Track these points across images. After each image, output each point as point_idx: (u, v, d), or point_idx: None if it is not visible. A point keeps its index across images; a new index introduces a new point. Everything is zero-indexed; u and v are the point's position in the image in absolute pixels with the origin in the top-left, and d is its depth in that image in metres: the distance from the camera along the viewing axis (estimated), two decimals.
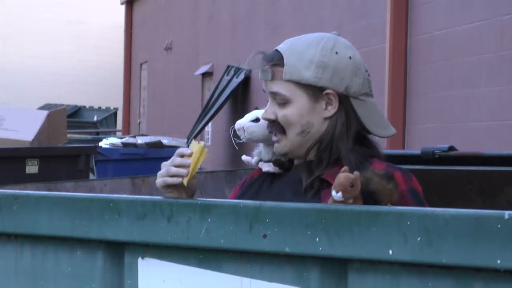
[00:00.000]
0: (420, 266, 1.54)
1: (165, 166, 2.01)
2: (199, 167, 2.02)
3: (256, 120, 2.33)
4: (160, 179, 2.01)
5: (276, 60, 2.18)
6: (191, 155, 1.98)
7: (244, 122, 2.35)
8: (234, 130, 2.36)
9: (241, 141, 2.35)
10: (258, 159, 2.34)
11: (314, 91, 2.17)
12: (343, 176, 1.78)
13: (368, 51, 8.87)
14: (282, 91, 2.17)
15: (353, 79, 2.19)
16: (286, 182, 2.23)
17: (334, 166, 2.16)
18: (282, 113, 2.18)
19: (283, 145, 2.20)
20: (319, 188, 2.15)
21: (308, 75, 2.16)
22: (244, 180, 2.39)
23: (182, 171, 1.97)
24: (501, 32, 7.12)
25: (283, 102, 2.18)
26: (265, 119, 2.22)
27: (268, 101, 2.24)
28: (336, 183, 1.77)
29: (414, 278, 1.55)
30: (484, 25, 7.33)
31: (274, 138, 2.22)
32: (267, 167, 2.29)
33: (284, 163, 2.27)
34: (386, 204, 1.93)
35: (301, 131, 2.18)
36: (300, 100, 2.17)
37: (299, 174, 2.20)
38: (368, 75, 2.25)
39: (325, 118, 2.19)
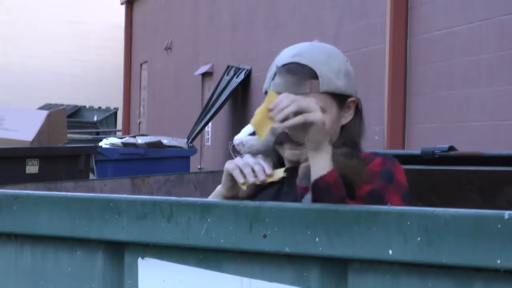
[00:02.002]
0: (420, 266, 1.54)
1: (247, 159, 2.04)
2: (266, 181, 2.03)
3: (254, 133, 2.35)
4: (232, 166, 2.04)
5: (309, 73, 2.18)
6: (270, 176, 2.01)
7: (242, 136, 2.37)
8: (233, 146, 2.38)
9: (241, 156, 2.36)
10: None
11: (342, 99, 2.23)
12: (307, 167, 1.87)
13: (368, 51, 8.87)
14: (318, 103, 2.17)
15: (356, 85, 2.28)
16: (281, 187, 2.26)
17: None
18: None
19: (304, 153, 2.17)
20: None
21: (341, 85, 2.21)
22: None
23: (250, 178, 2.00)
24: (501, 32, 7.12)
25: None
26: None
27: None
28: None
29: (414, 278, 1.55)
30: (484, 25, 7.33)
31: (291, 146, 2.21)
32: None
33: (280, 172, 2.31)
34: (357, 182, 2.00)
35: (329, 140, 2.20)
36: (332, 109, 2.22)
37: (291, 178, 2.23)
38: None
39: (341, 123, 2.25)
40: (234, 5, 13.51)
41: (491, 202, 3.12)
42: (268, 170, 2.02)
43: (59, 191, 2.91)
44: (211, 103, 12.75)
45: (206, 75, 14.60)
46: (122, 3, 19.93)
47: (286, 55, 2.23)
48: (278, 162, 2.30)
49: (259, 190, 2.31)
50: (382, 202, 2.03)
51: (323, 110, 2.18)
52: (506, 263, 1.45)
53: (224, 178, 2.07)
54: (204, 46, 14.77)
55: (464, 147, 3.80)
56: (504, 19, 7.10)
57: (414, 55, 8.36)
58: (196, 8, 15.39)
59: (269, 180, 2.00)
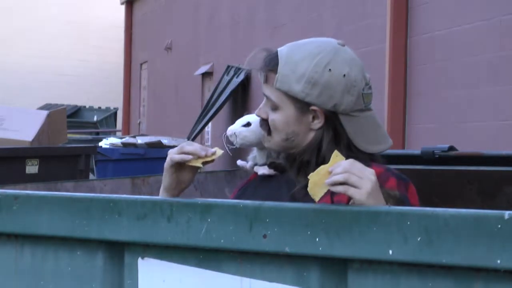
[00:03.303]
0: (420, 266, 1.54)
1: (178, 148, 2.03)
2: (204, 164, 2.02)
3: (248, 124, 2.35)
4: (169, 156, 2.02)
5: (272, 66, 2.19)
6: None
7: (235, 127, 2.37)
8: (227, 137, 2.38)
9: (234, 147, 2.36)
10: (253, 163, 2.36)
11: (301, 104, 2.17)
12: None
13: (368, 51, 8.87)
14: (272, 96, 2.20)
15: (344, 96, 2.16)
16: (282, 183, 2.24)
17: None
18: (271, 117, 2.21)
19: (267, 140, 2.24)
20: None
21: (297, 89, 2.16)
22: (242, 183, 2.40)
23: (201, 151, 1.97)
24: (501, 32, 7.12)
25: (273, 107, 2.20)
26: (257, 115, 2.25)
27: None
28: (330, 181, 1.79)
29: (414, 278, 1.55)
30: (484, 25, 7.33)
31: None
32: (262, 170, 2.31)
33: (279, 165, 2.28)
34: None
35: (286, 139, 2.20)
36: (288, 109, 2.19)
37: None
38: (369, 88, 2.21)
39: (312, 129, 2.20)
40: (234, 5, 13.51)
41: (491, 202, 3.12)
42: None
43: (59, 191, 2.91)
44: (211, 103, 12.75)
45: (206, 75, 14.60)
46: (122, 3, 19.93)
47: None
48: (277, 154, 2.30)
49: (256, 187, 2.31)
50: None
51: (276, 107, 2.19)
52: (506, 263, 1.45)
53: (168, 175, 2.05)
54: (204, 46, 14.77)
55: (464, 147, 3.80)
56: (504, 19, 7.10)
57: (414, 55, 8.36)
58: (196, 8, 15.38)
59: (216, 156, 1.99)
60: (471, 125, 7.51)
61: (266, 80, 2.20)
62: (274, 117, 2.20)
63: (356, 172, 1.79)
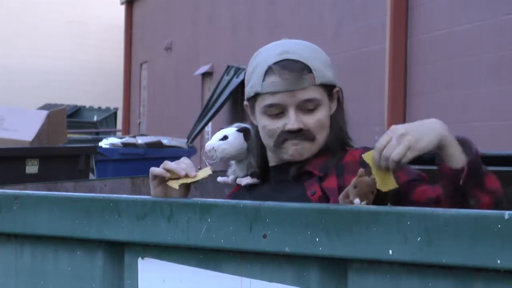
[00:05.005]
0: (420, 266, 1.54)
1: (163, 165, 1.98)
2: (194, 181, 1.97)
3: (224, 138, 2.37)
4: (159, 170, 1.98)
5: (304, 67, 2.17)
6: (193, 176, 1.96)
7: (213, 142, 2.39)
8: (205, 153, 2.38)
9: (214, 162, 2.37)
10: (234, 177, 2.37)
11: (330, 90, 2.22)
12: (365, 184, 1.82)
13: (368, 51, 8.87)
14: (316, 95, 2.17)
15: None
16: (267, 192, 2.25)
17: (318, 157, 2.20)
18: (314, 119, 2.17)
19: (307, 149, 2.19)
20: (301, 178, 2.19)
21: (330, 76, 2.21)
22: (227, 196, 2.42)
23: (181, 171, 1.94)
24: (501, 32, 7.12)
25: (314, 107, 2.17)
26: (294, 129, 2.16)
27: (273, 115, 2.20)
28: (360, 192, 1.81)
29: (414, 278, 1.55)
30: (484, 25, 7.33)
31: (294, 142, 2.18)
32: (245, 181, 2.32)
33: (260, 174, 2.30)
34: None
35: (328, 133, 2.21)
36: (326, 101, 2.21)
37: (277, 176, 2.22)
38: None
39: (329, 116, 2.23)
40: (234, 5, 13.51)
41: None
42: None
43: (59, 191, 2.91)
44: (211, 103, 12.75)
45: (206, 75, 14.61)
46: (122, 3, 19.93)
47: (272, 54, 2.20)
48: (259, 165, 2.29)
49: (242, 198, 2.30)
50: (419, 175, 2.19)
51: (320, 103, 2.19)
52: (506, 263, 1.45)
53: (152, 188, 2.00)
54: (204, 46, 14.77)
55: None
56: (504, 19, 7.10)
57: (414, 55, 8.36)
58: (196, 8, 15.39)
59: (198, 178, 1.96)
60: (471, 125, 7.51)
61: (308, 83, 2.17)
62: (319, 116, 2.18)
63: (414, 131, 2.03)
